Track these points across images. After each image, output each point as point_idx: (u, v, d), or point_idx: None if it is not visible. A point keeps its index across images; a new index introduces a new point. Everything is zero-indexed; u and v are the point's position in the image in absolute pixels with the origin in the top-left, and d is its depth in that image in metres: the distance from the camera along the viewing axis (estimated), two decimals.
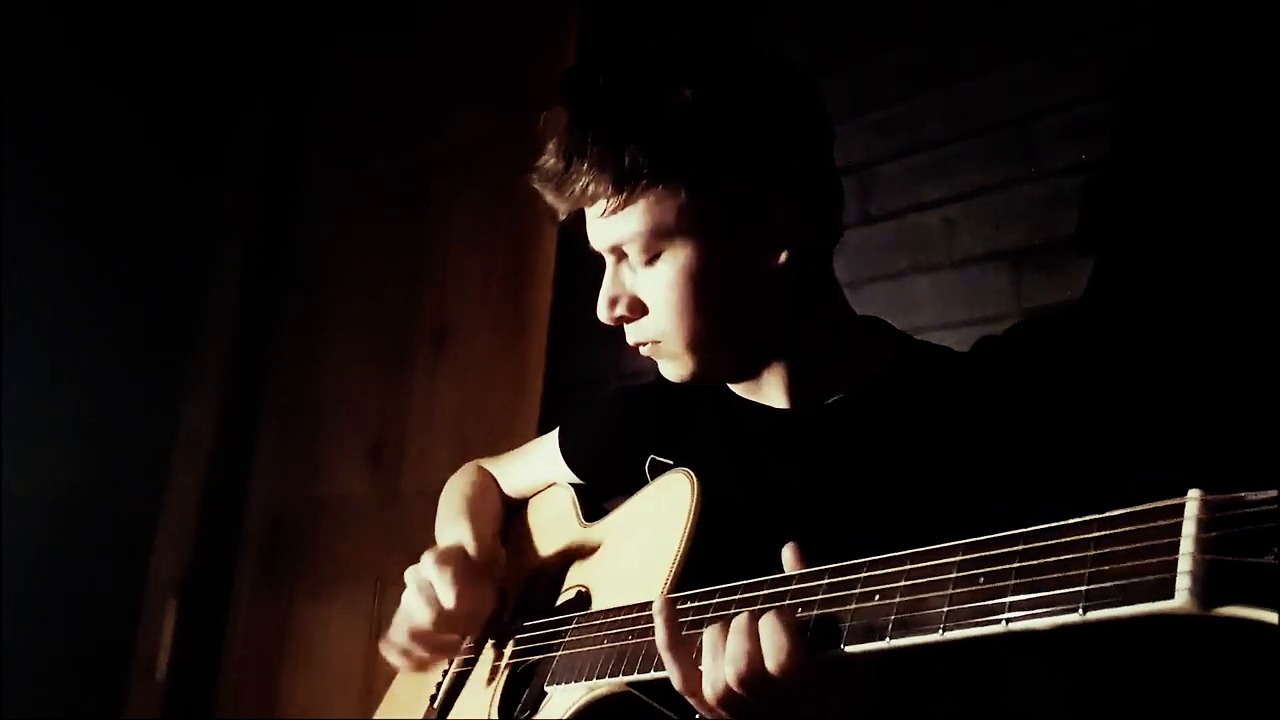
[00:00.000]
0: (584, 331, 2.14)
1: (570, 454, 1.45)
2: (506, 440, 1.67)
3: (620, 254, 1.13)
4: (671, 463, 1.21)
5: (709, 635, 0.90)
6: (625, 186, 1.06)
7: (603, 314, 1.15)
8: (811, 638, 0.84)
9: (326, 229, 2.92)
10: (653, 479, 1.22)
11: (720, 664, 0.88)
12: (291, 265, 2.97)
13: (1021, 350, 1.47)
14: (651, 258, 1.10)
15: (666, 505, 1.13)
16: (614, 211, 1.08)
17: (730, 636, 0.87)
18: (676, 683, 0.92)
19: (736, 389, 1.22)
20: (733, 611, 0.91)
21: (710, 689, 0.89)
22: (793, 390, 1.17)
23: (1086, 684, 0.96)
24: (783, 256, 1.10)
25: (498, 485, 1.56)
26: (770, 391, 1.18)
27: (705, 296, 1.09)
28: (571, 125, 1.10)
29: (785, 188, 1.09)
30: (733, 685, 0.87)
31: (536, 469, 1.52)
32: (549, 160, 1.11)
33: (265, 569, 2.75)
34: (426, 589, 1.29)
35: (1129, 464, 1.21)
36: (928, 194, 1.65)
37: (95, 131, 2.80)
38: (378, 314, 2.69)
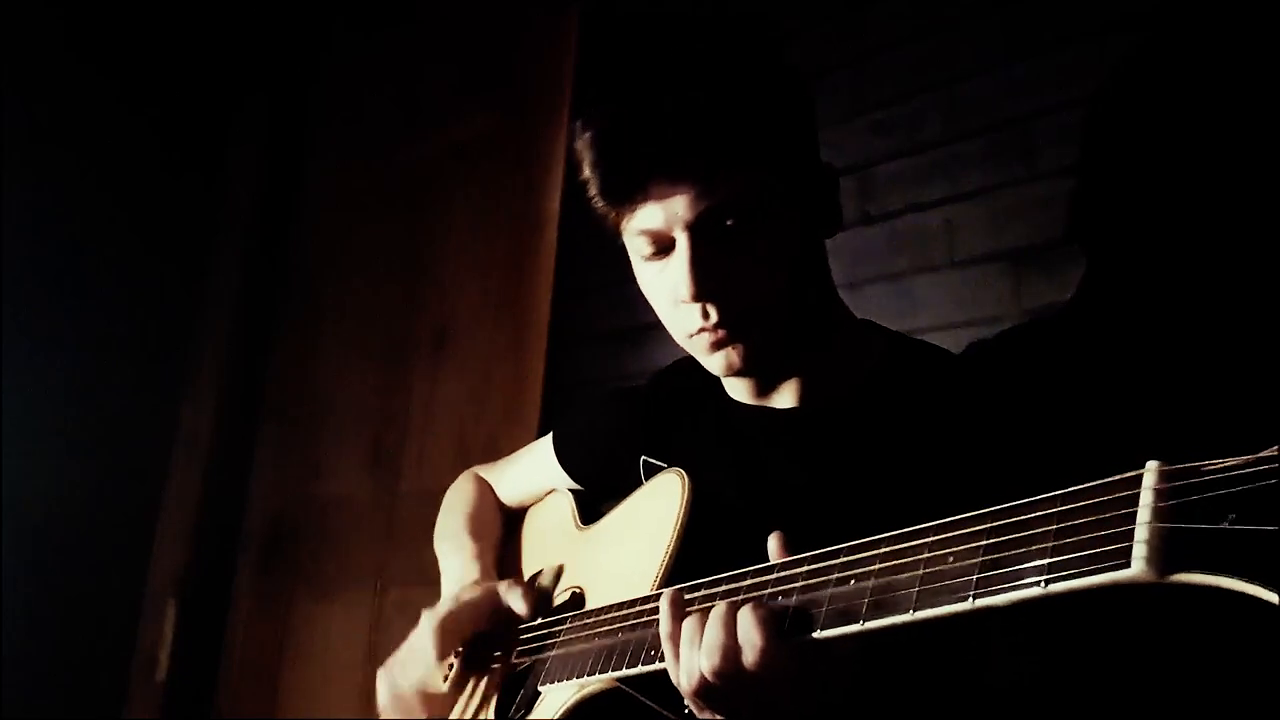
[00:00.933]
0: (584, 331, 2.14)
1: (565, 458, 1.46)
2: (506, 440, 1.67)
3: (714, 228, 1.06)
4: (664, 464, 1.21)
5: (687, 626, 0.91)
6: (752, 150, 1.06)
7: (693, 291, 1.06)
8: (789, 625, 0.85)
9: (326, 228, 2.92)
10: (647, 480, 1.23)
11: (696, 655, 0.88)
12: (291, 265, 2.97)
13: (1017, 350, 1.47)
14: (759, 227, 1.07)
15: (658, 505, 1.14)
16: (728, 177, 1.04)
17: (707, 628, 0.88)
18: (674, 673, 0.93)
19: (736, 390, 1.22)
20: (716, 604, 0.91)
21: (685, 679, 0.89)
22: (803, 389, 1.17)
23: (1066, 661, 0.96)
24: (824, 241, 1.16)
25: (496, 497, 1.56)
26: (779, 390, 1.18)
27: (805, 273, 1.13)
28: (675, 94, 1.04)
29: (823, 170, 1.17)
30: (708, 676, 0.87)
31: (533, 475, 1.52)
32: (639, 128, 1.04)
33: (265, 569, 2.75)
34: (428, 672, 1.30)
35: (1122, 463, 1.21)
36: (928, 194, 1.65)
37: (95, 132, 2.80)
38: (378, 314, 2.69)
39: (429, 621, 1.31)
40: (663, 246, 1.09)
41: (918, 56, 1.70)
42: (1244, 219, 1.31)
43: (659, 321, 1.16)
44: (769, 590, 0.89)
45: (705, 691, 0.89)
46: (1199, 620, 1.04)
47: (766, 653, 0.84)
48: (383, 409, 2.58)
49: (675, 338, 1.16)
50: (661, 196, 1.05)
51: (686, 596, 0.97)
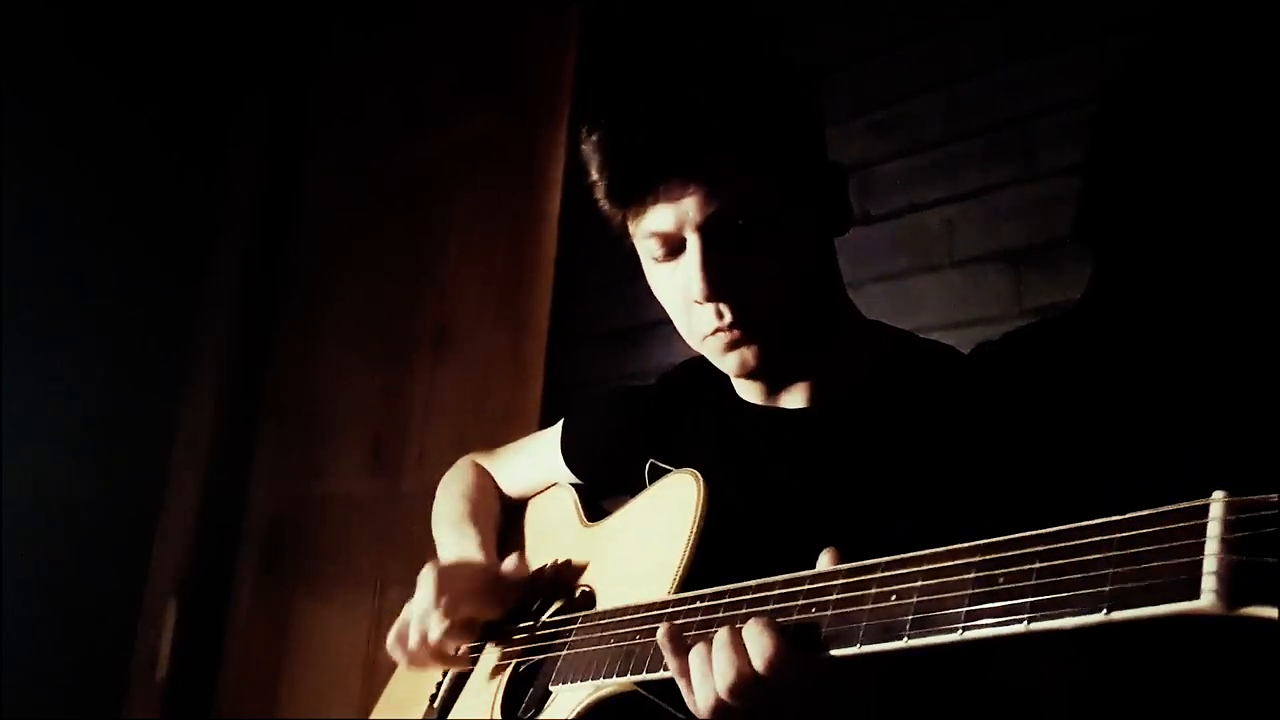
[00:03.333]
0: (584, 331, 2.14)
1: (570, 454, 1.45)
2: (506, 440, 1.67)
3: (725, 229, 1.05)
4: (671, 467, 1.21)
5: (695, 659, 0.90)
6: (762, 150, 1.05)
7: (706, 292, 1.05)
8: (824, 640, 0.84)
9: (326, 229, 2.92)
10: (651, 482, 1.22)
11: (708, 681, 0.88)
12: (291, 265, 2.97)
13: (1024, 350, 1.47)
14: (770, 227, 1.06)
15: (672, 506, 1.13)
16: (738, 178, 1.04)
17: (714, 654, 0.87)
18: (690, 704, 0.92)
19: (746, 391, 1.22)
20: (742, 613, 0.90)
21: (703, 705, 0.88)
22: (814, 389, 1.16)
23: (1101, 676, 0.96)
24: (833, 243, 1.16)
25: (495, 486, 1.56)
26: (790, 391, 1.17)
27: (817, 272, 1.13)
28: (682, 95, 1.04)
29: (831, 168, 1.16)
30: (724, 697, 0.86)
31: (535, 467, 1.52)
32: (648, 129, 1.03)
33: (265, 569, 2.75)
34: (423, 616, 1.29)
35: (1126, 465, 1.21)
36: (928, 194, 1.65)
37: (95, 132, 2.80)
38: (378, 314, 2.69)
39: (428, 571, 1.31)
40: (674, 248, 1.09)
41: (918, 56, 1.70)
42: (1244, 218, 1.31)
43: (659, 321, 1.16)
44: (801, 602, 0.88)
45: (723, 714, 0.88)
46: (1247, 649, 1.03)
47: (777, 657, 0.83)
48: (383, 409, 2.58)
49: (688, 339, 1.15)
50: (671, 198, 1.05)
51: (688, 608, 0.96)
